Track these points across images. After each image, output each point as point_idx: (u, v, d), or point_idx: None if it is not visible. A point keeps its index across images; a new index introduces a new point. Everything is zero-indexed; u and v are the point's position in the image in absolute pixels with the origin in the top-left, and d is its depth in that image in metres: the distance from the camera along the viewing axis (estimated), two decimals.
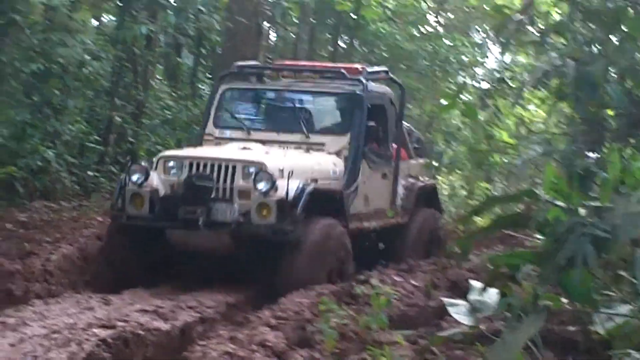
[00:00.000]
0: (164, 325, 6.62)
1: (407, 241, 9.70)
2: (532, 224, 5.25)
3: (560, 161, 7.35)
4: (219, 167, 8.08)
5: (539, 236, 5.54)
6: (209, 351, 5.81)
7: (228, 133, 9.29)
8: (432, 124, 20.70)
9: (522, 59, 16.53)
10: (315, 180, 8.37)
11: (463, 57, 20.59)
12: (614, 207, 4.65)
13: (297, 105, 9.49)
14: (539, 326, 4.78)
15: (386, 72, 10.29)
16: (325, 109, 9.72)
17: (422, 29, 20.81)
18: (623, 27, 7.53)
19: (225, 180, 8.03)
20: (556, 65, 7.21)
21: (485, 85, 17.34)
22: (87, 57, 12.61)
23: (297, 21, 18.46)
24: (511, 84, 11.34)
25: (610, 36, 7.60)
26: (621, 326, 4.98)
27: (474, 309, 6.00)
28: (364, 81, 9.26)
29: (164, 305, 7.16)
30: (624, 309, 5.02)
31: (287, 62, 11.70)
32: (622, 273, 5.00)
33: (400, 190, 9.75)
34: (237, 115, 9.53)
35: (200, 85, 16.18)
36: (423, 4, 20.69)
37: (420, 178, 10.32)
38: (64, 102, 12.21)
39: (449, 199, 18.82)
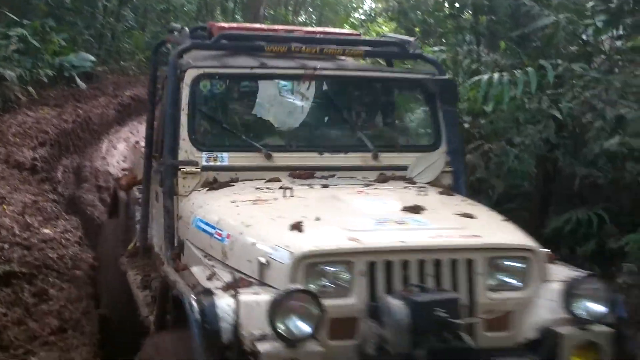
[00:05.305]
0: None
1: None
2: None
3: None
4: (437, 265, 3.99)
5: None
6: None
7: (225, 158, 5.04)
8: None
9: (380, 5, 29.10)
10: None
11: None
12: None
13: (343, 101, 5.50)
14: None
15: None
16: (392, 106, 5.72)
17: None
18: None
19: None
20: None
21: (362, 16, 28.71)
22: None
23: None
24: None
25: None
26: None
27: None
28: (435, 59, 5.58)
29: None
30: None
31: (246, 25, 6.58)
32: None
33: None
34: (232, 125, 5.30)
35: None
36: None
37: None
38: None
39: None
